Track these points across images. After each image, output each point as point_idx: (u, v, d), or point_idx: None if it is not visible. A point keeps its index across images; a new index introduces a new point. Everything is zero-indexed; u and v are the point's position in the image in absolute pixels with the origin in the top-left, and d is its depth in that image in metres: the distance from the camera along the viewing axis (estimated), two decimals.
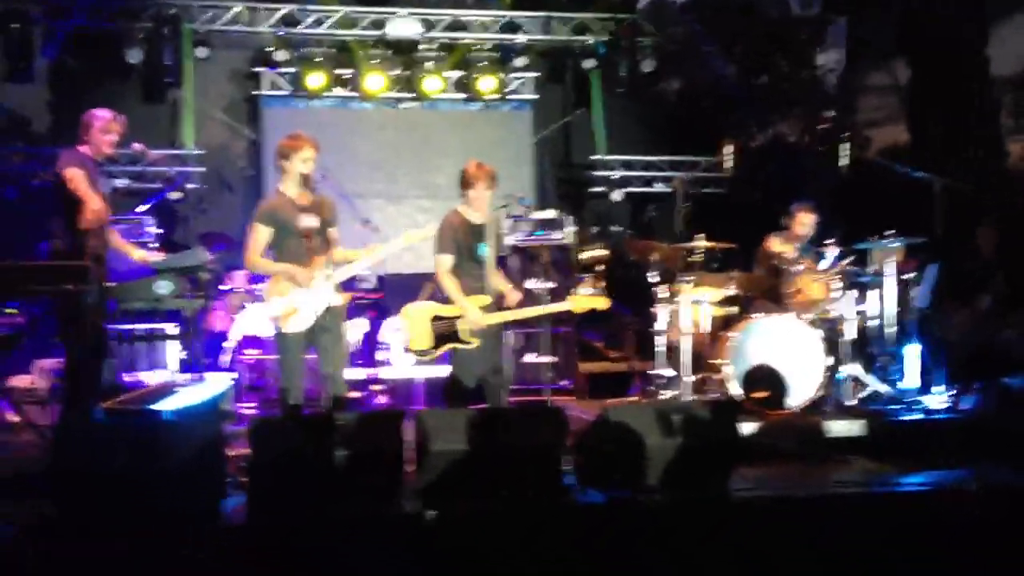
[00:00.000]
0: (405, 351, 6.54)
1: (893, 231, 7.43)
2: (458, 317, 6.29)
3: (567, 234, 9.41)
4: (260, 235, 6.02)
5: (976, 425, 6.50)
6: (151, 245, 8.51)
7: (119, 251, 6.67)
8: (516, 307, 6.49)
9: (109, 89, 10.68)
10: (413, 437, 4.99)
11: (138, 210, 8.92)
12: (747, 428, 6.32)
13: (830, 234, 7.79)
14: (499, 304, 6.47)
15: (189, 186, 10.88)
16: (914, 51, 12.86)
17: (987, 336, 7.95)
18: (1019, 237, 9.39)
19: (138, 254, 6.73)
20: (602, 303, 6.60)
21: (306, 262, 5.99)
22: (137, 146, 6.75)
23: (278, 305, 5.96)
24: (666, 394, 7.34)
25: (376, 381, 8.43)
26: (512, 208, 8.61)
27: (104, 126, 6.45)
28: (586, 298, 6.62)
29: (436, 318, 6.34)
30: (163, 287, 6.61)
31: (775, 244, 7.89)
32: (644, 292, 7.76)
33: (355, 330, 8.58)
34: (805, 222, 7.92)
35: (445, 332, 6.31)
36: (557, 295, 7.52)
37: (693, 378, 7.20)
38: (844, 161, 8.71)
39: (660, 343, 7.53)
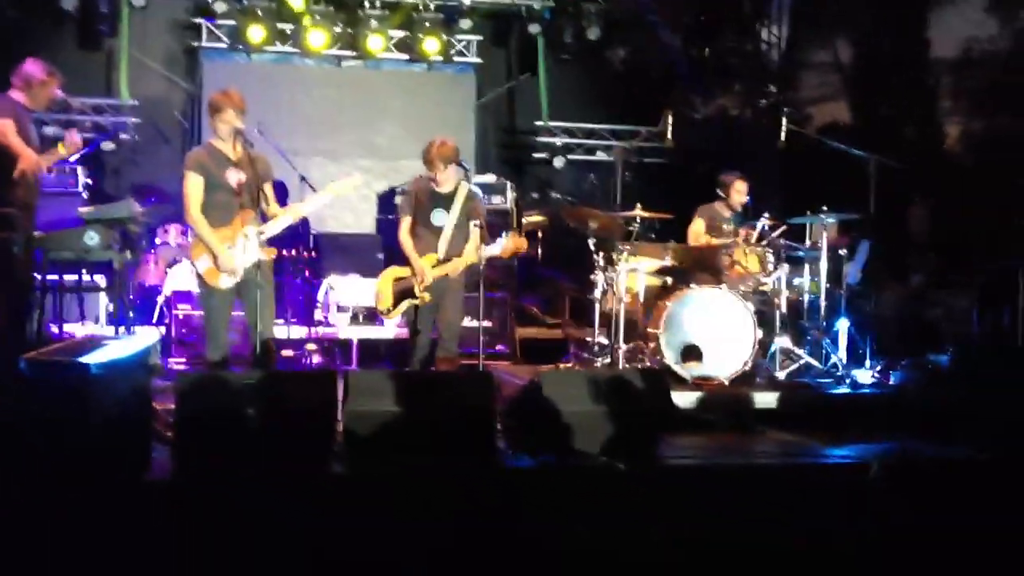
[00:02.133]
0: (375, 313, 6.91)
1: (828, 207, 7.51)
2: (412, 275, 6.65)
3: (507, 199, 9.39)
4: (193, 184, 5.93)
5: (902, 400, 6.63)
6: (81, 195, 8.35)
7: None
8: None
9: (42, 34, 10.42)
10: (344, 397, 4.96)
11: (69, 159, 8.71)
12: (678, 398, 6.37)
13: (766, 208, 7.85)
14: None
15: (123, 137, 10.66)
16: (856, 31, 12.99)
17: (916, 313, 8.10)
18: (950, 217, 9.56)
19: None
20: (521, 242, 6.73)
21: (233, 217, 5.94)
22: (58, 93, 6.57)
23: (204, 261, 5.89)
24: (600, 362, 7.38)
25: (310, 340, 8.37)
26: None
27: (45, 79, 6.31)
28: (509, 240, 6.66)
29: (397, 279, 6.73)
30: (91, 238, 6.48)
31: (722, 206, 7.99)
32: (581, 259, 7.78)
33: (291, 289, 8.50)
34: (741, 189, 8.02)
35: (403, 290, 6.69)
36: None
37: (627, 346, 7.23)
38: (783, 136, 8.77)
39: (596, 311, 7.56)
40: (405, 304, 6.70)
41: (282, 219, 6.13)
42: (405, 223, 6.79)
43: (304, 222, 8.66)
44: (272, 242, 6.13)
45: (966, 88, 12.93)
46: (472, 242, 6.70)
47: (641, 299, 7.50)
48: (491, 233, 6.63)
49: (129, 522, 4.19)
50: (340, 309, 8.73)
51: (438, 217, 6.74)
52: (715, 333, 7.10)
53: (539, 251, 10.19)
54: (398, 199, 6.67)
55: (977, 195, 10.50)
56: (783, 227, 7.56)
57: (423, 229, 6.75)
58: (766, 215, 7.66)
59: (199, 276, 5.98)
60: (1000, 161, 11.28)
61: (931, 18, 12.60)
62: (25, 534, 4.06)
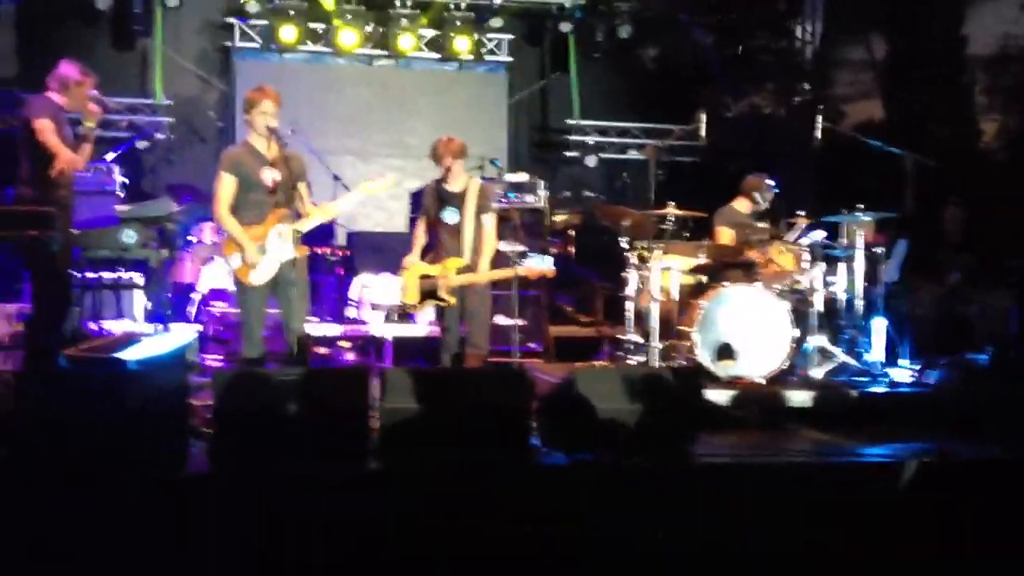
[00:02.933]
0: (396, 304, 6.98)
1: (864, 205, 7.45)
2: (440, 277, 6.69)
3: (539, 198, 9.38)
4: (226, 185, 5.98)
5: (940, 400, 6.56)
6: (118, 194, 8.42)
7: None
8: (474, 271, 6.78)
9: (76, 34, 10.52)
10: (379, 395, 4.97)
11: (105, 158, 8.80)
12: (713, 396, 6.34)
13: (801, 206, 7.80)
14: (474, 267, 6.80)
15: (158, 136, 10.74)
16: (891, 27, 12.88)
17: (952, 312, 8.02)
18: (987, 215, 9.47)
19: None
20: (549, 270, 6.87)
21: (266, 215, 5.97)
22: (93, 94, 6.63)
23: (237, 259, 5.93)
24: (634, 360, 7.36)
25: (345, 338, 8.40)
26: (485, 170, 8.57)
27: (81, 80, 6.38)
28: (535, 264, 6.81)
29: (424, 276, 6.78)
30: (128, 236, 6.53)
31: (741, 206, 7.93)
32: (615, 258, 7.76)
33: (325, 287, 8.54)
34: (767, 194, 7.95)
35: (429, 289, 6.74)
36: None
37: (661, 345, 7.21)
38: (818, 134, 8.71)
39: (629, 309, 7.54)
40: (430, 303, 6.78)
41: (316, 217, 6.16)
42: (419, 223, 7.04)
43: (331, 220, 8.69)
44: (305, 240, 6.16)
45: (1002, 85, 12.79)
46: (489, 244, 6.80)
47: (675, 297, 7.47)
48: (527, 232, 6.68)
49: (166, 517, 4.22)
50: (374, 307, 8.75)
51: (449, 215, 6.80)
52: (750, 331, 7.05)
53: (572, 249, 10.16)
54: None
55: (1013, 193, 10.39)
56: (822, 229, 7.51)
57: (440, 230, 6.85)
58: (800, 213, 7.61)
59: (233, 274, 6.02)
60: None
61: (967, 14, 12.47)
62: (62, 529, 4.09)
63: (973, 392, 6.36)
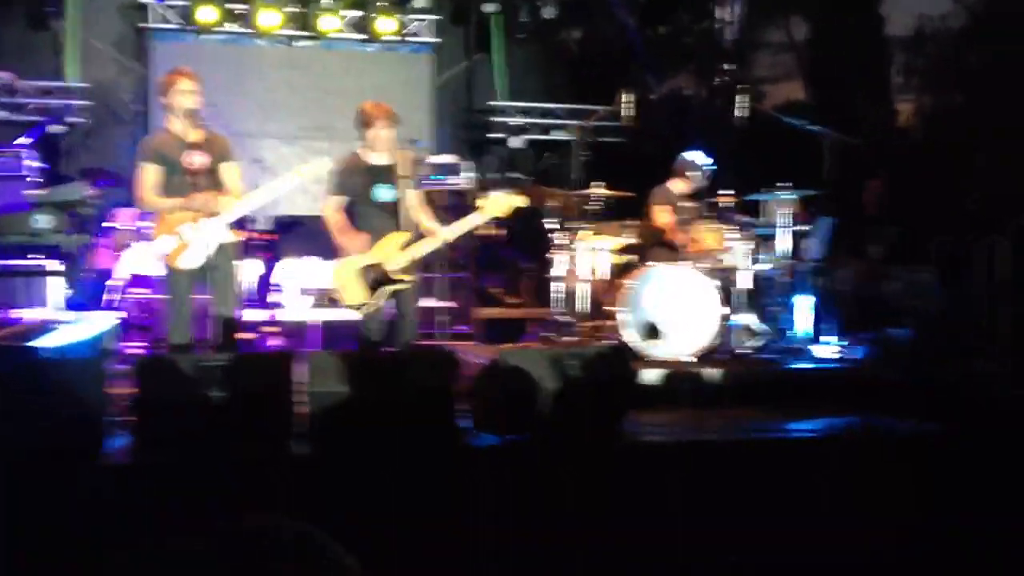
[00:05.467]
0: (346, 307, 6.30)
1: (788, 184, 7.53)
2: (384, 260, 6.12)
3: (465, 179, 9.32)
4: (148, 174, 5.83)
5: (863, 375, 6.66)
6: (28, 178, 8.17)
7: None
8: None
9: None
10: (305, 379, 4.89)
11: (18, 142, 8.53)
12: (640, 375, 6.36)
13: (725, 185, 7.85)
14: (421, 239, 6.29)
15: (72, 120, 10.46)
16: (810, 9, 13.04)
17: (876, 288, 8.15)
18: (907, 192, 9.63)
19: None
20: (519, 200, 6.44)
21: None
22: (4, 75, 6.42)
23: (167, 242, 5.79)
24: (562, 340, 7.36)
25: (270, 323, 8.27)
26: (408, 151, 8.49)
27: None
28: (502, 198, 6.42)
29: (365, 268, 6.15)
30: (42, 221, 6.35)
31: (676, 186, 7.95)
32: (542, 239, 7.74)
33: (249, 272, 8.40)
34: (699, 171, 7.97)
35: (379, 278, 6.13)
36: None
37: (588, 325, 7.21)
38: (739, 114, 8.78)
39: (557, 290, 7.53)
40: (387, 291, 6.15)
41: (250, 200, 6.04)
42: (331, 202, 6.23)
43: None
44: (235, 225, 6.04)
45: (917, 66, 13.04)
46: (424, 211, 6.34)
47: (601, 278, 7.48)
48: (452, 215, 6.54)
49: (85, 507, 4.12)
50: (303, 292, 8.64)
51: (383, 192, 6.21)
52: (676, 310, 7.09)
53: (499, 232, 10.14)
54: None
55: (932, 170, 10.60)
56: (745, 207, 7.56)
57: (367, 208, 6.22)
58: (725, 192, 7.66)
59: (162, 258, 5.87)
60: (951, 137, 11.40)
61: None
62: None
63: (892, 366, 6.46)
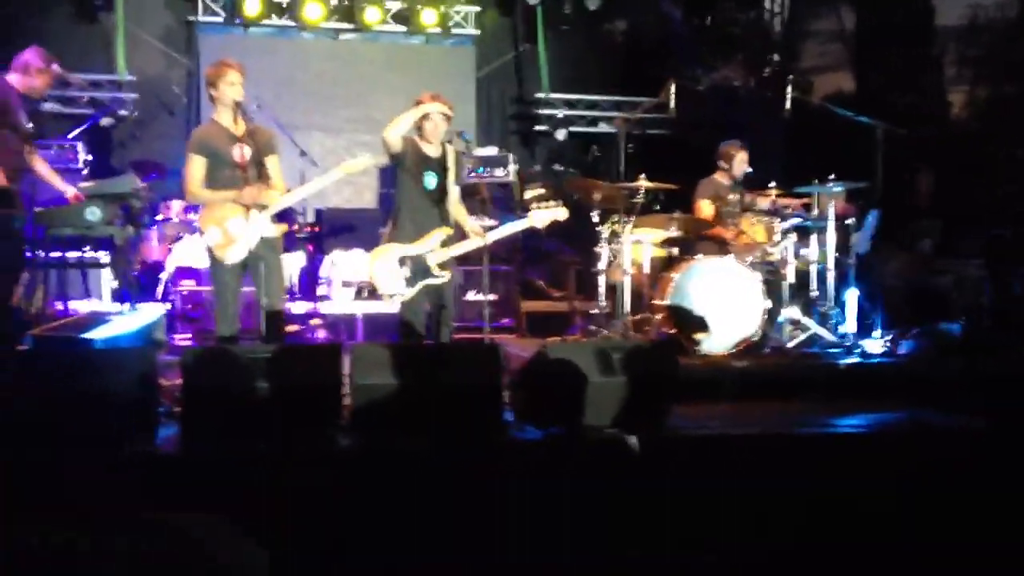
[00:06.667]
0: (381, 295, 6.33)
1: (835, 176, 7.45)
2: (426, 253, 6.14)
3: (509, 172, 9.32)
4: (195, 166, 5.89)
5: (912, 369, 6.58)
6: (82, 171, 8.29)
7: (45, 181, 6.48)
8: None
9: (37, 8, 10.31)
10: (350, 371, 4.92)
11: (69, 136, 8.66)
12: (685, 368, 6.33)
13: (772, 178, 7.79)
14: (461, 236, 6.33)
15: (122, 113, 10.57)
16: None
17: (925, 282, 8.05)
18: (957, 185, 9.51)
19: (66, 189, 6.54)
20: (562, 213, 6.43)
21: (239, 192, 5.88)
22: (56, 68, 6.52)
23: (213, 235, 5.84)
24: (606, 333, 7.34)
25: (315, 315, 8.33)
26: (455, 144, 8.50)
27: (42, 68, 6.30)
28: (545, 210, 6.42)
29: (403, 258, 6.15)
30: (92, 213, 6.43)
31: (722, 177, 7.91)
32: (586, 232, 7.72)
33: (292, 264, 8.47)
34: (742, 159, 7.94)
35: (417, 270, 6.14)
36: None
37: (633, 318, 7.19)
38: (787, 105, 8.70)
39: (601, 283, 7.51)
40: (420, 285, 6.14)
41: (295, 193, 6.10)
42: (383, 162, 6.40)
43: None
44: (278, 217, 6.09)
45: (970, 56, 12.82)
46: (462, 210, 6.45)
47: (646, 271, 7.46)
48: (497, 207, 6.54)
49: (135, 498, 4.16)
50: (345, 284, 8.68)
51: (430, 180, 6.26)
52: (722, 303, 7.06)
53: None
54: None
55: (982, 163, 10.43)
56: (793, 200, 7.50)
57: (417, 196, 6.24)
58: (772, 185, 7.60)
59: (208, 250, 5.93)
60: (1003, 128, 11.21)
61: None
62: (33, 509, 4.03)
63: (943, 361, 6.38)
